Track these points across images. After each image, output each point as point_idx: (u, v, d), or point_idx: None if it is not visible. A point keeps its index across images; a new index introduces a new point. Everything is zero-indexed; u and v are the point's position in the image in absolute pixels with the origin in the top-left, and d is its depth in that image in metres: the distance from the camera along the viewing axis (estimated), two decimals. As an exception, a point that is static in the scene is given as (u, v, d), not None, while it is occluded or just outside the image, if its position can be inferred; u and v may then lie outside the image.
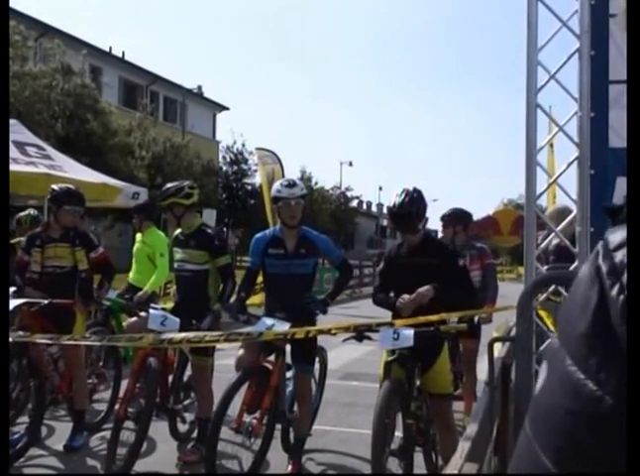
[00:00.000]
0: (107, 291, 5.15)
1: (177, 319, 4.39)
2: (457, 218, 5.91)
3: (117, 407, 4.50)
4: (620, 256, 0.55)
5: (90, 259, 5.04)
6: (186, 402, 5.15)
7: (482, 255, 5.88)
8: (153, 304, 4.91)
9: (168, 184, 5.00)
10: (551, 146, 8.97)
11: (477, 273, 5.76)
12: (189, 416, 5.10)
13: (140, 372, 4.49)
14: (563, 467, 0.53)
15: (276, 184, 4.60)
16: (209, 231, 4.92)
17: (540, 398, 0.58)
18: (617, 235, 0.56)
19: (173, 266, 5.01)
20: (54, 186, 5.06)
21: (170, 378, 4.96)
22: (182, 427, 5.07)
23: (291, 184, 4.49)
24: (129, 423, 4.35)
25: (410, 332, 3.68)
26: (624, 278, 0.53)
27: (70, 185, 5.23)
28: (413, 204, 3.98)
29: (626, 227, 0.57)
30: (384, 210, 53.06)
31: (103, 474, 4.22)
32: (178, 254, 4.89)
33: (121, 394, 4.76)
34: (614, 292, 0.53)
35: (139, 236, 7.04)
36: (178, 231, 4.97)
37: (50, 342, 4.44)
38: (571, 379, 0.54)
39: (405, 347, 3.70)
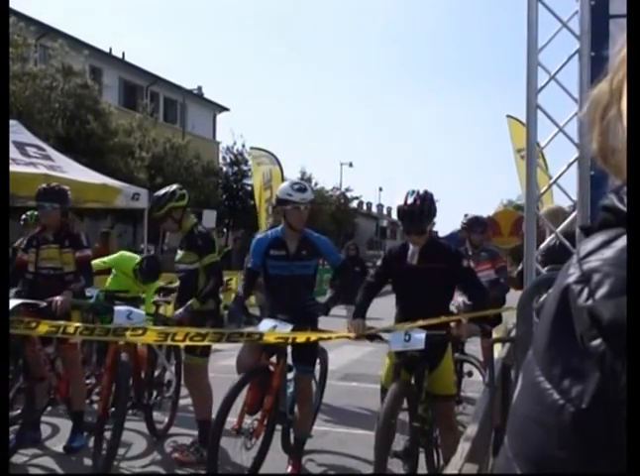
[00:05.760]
0: (84, 288, 5.06)
1: (142, 312, 4.60)
2: (470, 225, 6.62)
3: (97, 405, 4.59)
4: (589, 263, 0.55)
5: (75, 258, 5.00)
6: (158, 398, 5.29)
7: (494, 258, 6.52)
8: (117, 302, 5.03)
9: (157, 193, 5.02)
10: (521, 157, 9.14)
11: (485, 273, 6.20)
12: (162, 414, 5.29)
13: (114, 368, 4.56)
14: None
15: (286, 187, 4.51)
16: (197, 232, 4.91)
17: (514, 407, 0.59)
18: (589, 244, 0.57)
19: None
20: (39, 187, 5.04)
21: (143, 374, 5.08)
22: (159, 424, 5.22)
23: (302, 189, 4.46)
24: (129, 424, 4.36)
25: (422, 335, 3.67)
26: (592, 283, 0.53)
27: (52, 183, 5.09)
28: (424, 203, 3.94)
29: (597, 237, 0.57)
30: (384, 211, 53.00)
31: (103, 474, 4.22)
32: (177, 255, 5.00)
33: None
34: (582, 298, 0.53)
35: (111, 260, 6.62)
36: None
37: (56, 336, 4.46)
38: (537, 389, 0.54)
39: (416, 350, 3.70)
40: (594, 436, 0.49)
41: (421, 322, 3.82)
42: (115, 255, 6.68)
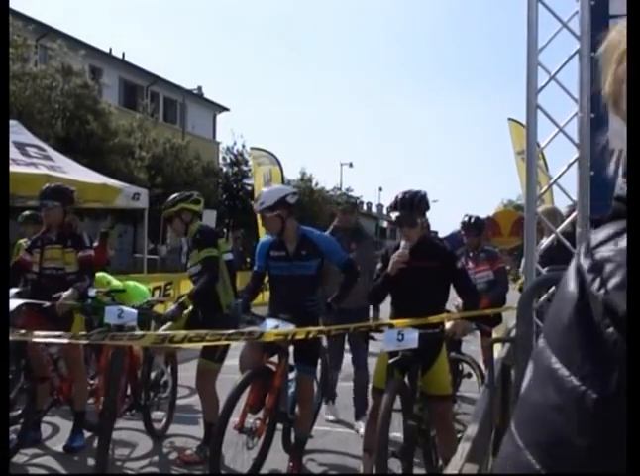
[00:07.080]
0: (88, 287, 5.07)
1: (135, 311, 4.56)
2: (465, 228, 6.51)
3: (93, 404, 4.67)
4: (601, 252, 0.54)
5: (77, 258, 5.01)
6: (155, 399, 5.27)
7: (493, 259, 6.32)
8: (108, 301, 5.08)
9: (174, 195, 5.07)
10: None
11: (484, 274, 6.14)
12: (160, 414, 5.28)
13: (109, 368, 4.58)
14: (548, 465, 0.53)
15: None
16: (200, 229, 4.95)
17: (526, 396, 0.58)
18: (600, 234, 0.57)
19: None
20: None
21: (138, 374, 5.07)
22: (158, 424, 5.22)
23: (256, 199, 4.54)
24: (130, 424, 4.36)
25: (415, 334, 3.66)
26: (605, 272, 0.53)
27: (57, 183, 5.17)
28: (414, 197, 4.03)
29: (609, 226, 0.57)
30: (385, 211, 52.99)
31: (103, 474, 4.22)
32: (188, 262, 4.98)
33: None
34: (595, 286, 0.53)
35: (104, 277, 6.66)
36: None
37: (52, 341, 4.45)
38: (555, 375, 0.53)
39: (409, 349, 3.70)
40: (614, 424, 0.49)
41: (403, 321, 3.80)
42: (128, 283, 6.71)
